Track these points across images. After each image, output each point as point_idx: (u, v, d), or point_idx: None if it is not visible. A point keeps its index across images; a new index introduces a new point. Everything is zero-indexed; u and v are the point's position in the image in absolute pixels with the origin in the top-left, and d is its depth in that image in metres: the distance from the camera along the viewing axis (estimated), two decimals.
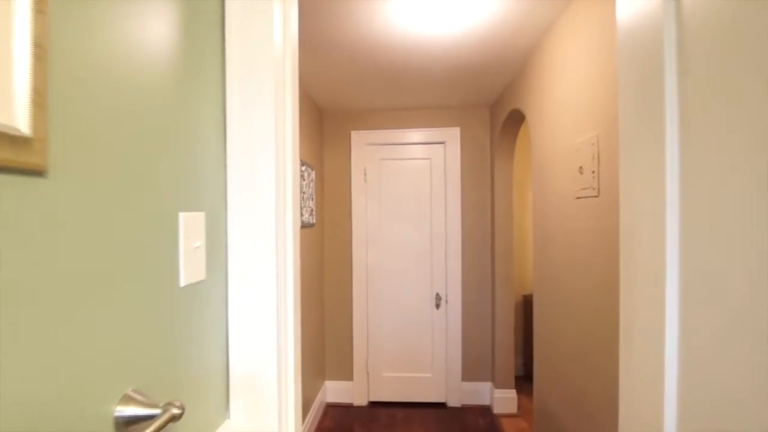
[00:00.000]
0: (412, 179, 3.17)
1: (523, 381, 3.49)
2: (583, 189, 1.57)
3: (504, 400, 2.92)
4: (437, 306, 3.10)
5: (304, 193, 2.60)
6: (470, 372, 3.10)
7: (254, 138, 0.84)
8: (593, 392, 1.51)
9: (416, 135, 3.16)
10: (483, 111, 3.13)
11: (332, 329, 3.19)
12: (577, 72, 1.62)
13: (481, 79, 2.59)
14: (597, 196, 1.47)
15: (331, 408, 3.13)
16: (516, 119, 2.72)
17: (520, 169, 3.72)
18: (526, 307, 3.53)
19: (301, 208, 2.55)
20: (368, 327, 3.17)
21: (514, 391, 2.94)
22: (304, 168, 2.61)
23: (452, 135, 3.14)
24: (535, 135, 2.12)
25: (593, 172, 1.49)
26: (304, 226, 2.64)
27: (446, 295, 3.09)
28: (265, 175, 0.83)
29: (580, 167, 1.59)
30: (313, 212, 2.83)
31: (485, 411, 3.03)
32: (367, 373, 3.16)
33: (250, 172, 0.83)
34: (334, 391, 3.18)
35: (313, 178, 2.85)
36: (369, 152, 3.19)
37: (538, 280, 2.09)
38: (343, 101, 2.99)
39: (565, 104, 1.75)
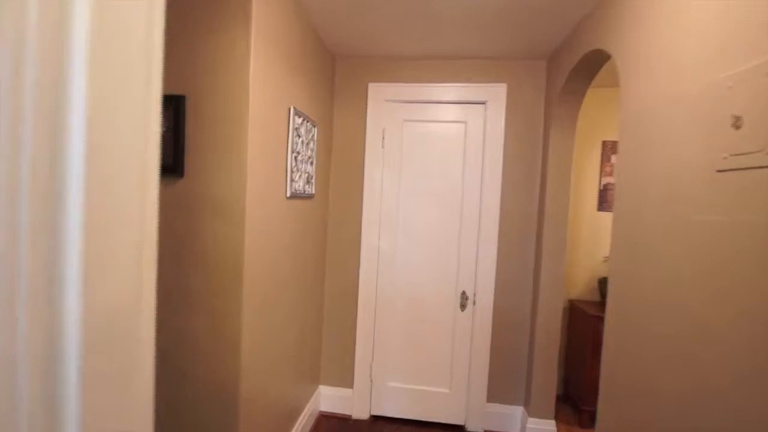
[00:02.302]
0: (442, 147, 2.53)
1: (562, 403, 2.87)
2: (740, 155, 0.91)
3: None
4: (462, 307, 2.49)
5: (298, 153, 2.00)
6: (498, 391, 2.50)
7: None
8: None
9: (450, 92, 2.50)
10: (538, 65, 2.44)
11: (332, 324, 2.63)
12: None
13: (543, 16, 1.91)
14: None
15: (325, 418, 2.60)
16: (589, 69, 2.03)
17: (578, 144, 3.01)
18: (571, 315, 2.87)
19: (293, 173, 1.95)
20: (375, 325, 2.59)
21: (554, 423, 2.33)
22: (301, 121, 2.01)
23: (496, 93, 2.47)
24: (632, 80, 1.45)
25: None
26: (298, 195, 2.05)
27: (474, 295, 2.48)
28: None
29: (736, 118, 0.93)
30: (312, 179, 2.23)
31: None
32: (371, 380, 2.60)
33: None
34: (330, 399, 2.64)
35: (316, 138, 2.24)
36: (389, 111, 2.56)
37: (619, 293, 1.45)
38: (360, 44, 2.35)
39: (699, 20, 1.08)
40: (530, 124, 2.45)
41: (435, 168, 2.53)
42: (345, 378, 2.63)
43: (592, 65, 2.01)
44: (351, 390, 2.62)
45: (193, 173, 1.56)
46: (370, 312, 2.58)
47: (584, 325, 2.65)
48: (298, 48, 1.95)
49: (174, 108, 1.55)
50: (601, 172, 2.95)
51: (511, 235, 2.46)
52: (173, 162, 1.55)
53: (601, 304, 2.80)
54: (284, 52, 1.80)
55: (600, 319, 2.52)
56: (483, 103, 2.48)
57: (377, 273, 2.57)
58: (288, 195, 1.92)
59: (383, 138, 2.56)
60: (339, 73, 2.60)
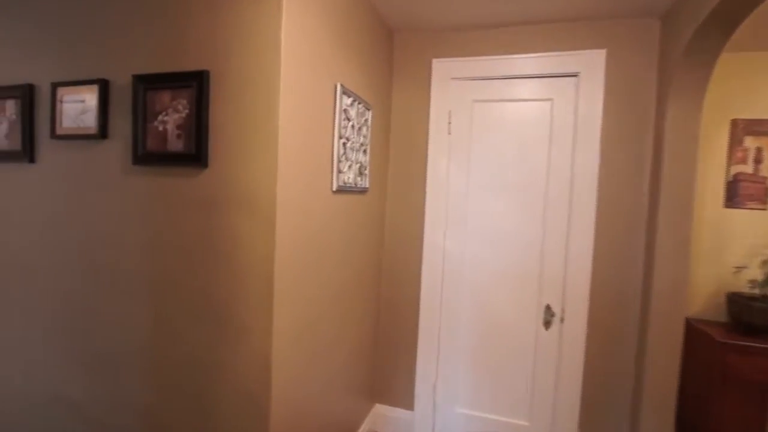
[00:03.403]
0: (521, 131, 2.10)
1: None
2: None
3: None
4: (546, 324, 2.05)
5: (347, 140, 1.70)
6: (593, 429, 2.03)
7: None
8: None
9: (531, 64, 2.06)
10: (648, 24, 1.93)
11: (388, 336, 2.32)
12: None
13: None
14: None
15: None
16: (724, 26, 1.51)
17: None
18: (688, 337, 2.30)
19: (340, 162, 1.65)
20: (440, 341, 2.23)
21: None
22: (351, 102, 1.70)
23: (592, 62, 1.99)
24: None
25: None
26: (348, 189, 1.75)
27: (562, 310, 2.03)
28: None
29: None
30: (366, 171, 1.92)
31: None
32: (434, 403, 2.25)
33: None
34: (387, 420, 2.33)
35: (370, 122, 1.93)
36: (456, 90, 2.18)
37: None
38: (422, 13, 2.00)
39: None
40: (637, 98, 1.94)
41: (512, 156, 2.11)
42: (405, 398, 2.31)
43: (729, 19, 1.50)
44: (412, 412, 2.28)
45: (219, 163, 1.32)
46: (434, 324, 2.22)
47: (707, 353, 2.08)
48: (345, 17, 1.64)
49: (197, 86, 1.31)
50: (729, 158, 2.33)
51: (611, 236, 1.97)
52: (196, 150, 1.32)
53: (731, 325, 2.20)
54: (328, 21, 1.50)
55: (731, 348, 1.96)
56: (574, 75, 2.02)
57: (442, 279, 2.21)
58: (334, 188, 1.62)
59: (449, 122, 2.19)
60: (398, 49, 2.26)
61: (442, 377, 2.23)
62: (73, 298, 1.55)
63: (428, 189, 2.21)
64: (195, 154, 1.32)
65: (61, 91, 1.50)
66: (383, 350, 2.33)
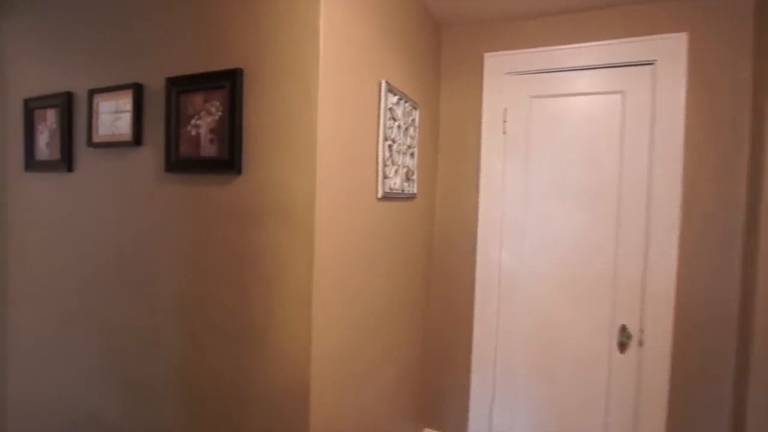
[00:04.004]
0: (586, 129, 1.87)
1: None
2: None
3: None
4: (621, 347, 1.79)
5: (393, 142, 1.55)
6: None
7: None
8: None
9: (596, 53, 1.83)
10: (738, 1, 1.66)
11: (438, 355, 2.13)
12: None
13: None
14: None
15: None
16: None
17: None
18: None
19: (386, 166, 1.50)
20: (496, 361, 2.02)
21: None
22: (397, 100, 1.55)
23: (671, 48, 1.73)
24: None
25: None
26: (394, 196, 1.59)
27: (641, 331, 1.76)
28: None
29: None
30: (413, 175, 1.76)
31: None
32: (490, 430, 2.03)
33: None
34: None
35: (417, 122, 1.77)
36: (512, 85, 1.98)
37: None
38: (473, 5, 1.82)
39: None
40: (728, 87, 1.67)
41: (577, 156, 1.88)
42: (457, 423, 2.10)
43: None
44: None
45: (253, 169, 1.20)
46: (489, 343, 2.01)
47: None
48: (389, 10, 1.50)
49: (230, 86, 1.20)
50: None
51: (699, 247, 1.69)
52: (229, 155, 1.21)
53: None
54: (371, 14, 1.36)
55: None
56: (650, 63, 1.77)
57: (498, 294, 2.00)
58: (380, 195, 1.47)
59: (504, 121, 1.99)
60: (446, 45, 2.10)
61: (499, 402, 2.01)
62: (107, 313, 1.48)
63: (482, 194, 2.01)
64: (228, 159, 1.21)
65: (97, 98, 1.45)
66: (432, 370, 2.14)
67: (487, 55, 2.01)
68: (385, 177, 1.49)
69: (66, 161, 1.53)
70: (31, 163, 1.63)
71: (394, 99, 1.54)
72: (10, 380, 1.79)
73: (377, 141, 1.45)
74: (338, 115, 1.20)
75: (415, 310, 1.95)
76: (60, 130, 1.54)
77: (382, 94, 1.45)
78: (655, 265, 1.73)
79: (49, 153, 1.58)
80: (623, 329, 1.78)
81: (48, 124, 1.58)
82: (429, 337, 2.14)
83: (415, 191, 1.79)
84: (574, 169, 1.88)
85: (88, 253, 1.52)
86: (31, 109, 1.62)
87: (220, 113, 1.22)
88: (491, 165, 2.00)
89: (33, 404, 1.70)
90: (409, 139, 1.69)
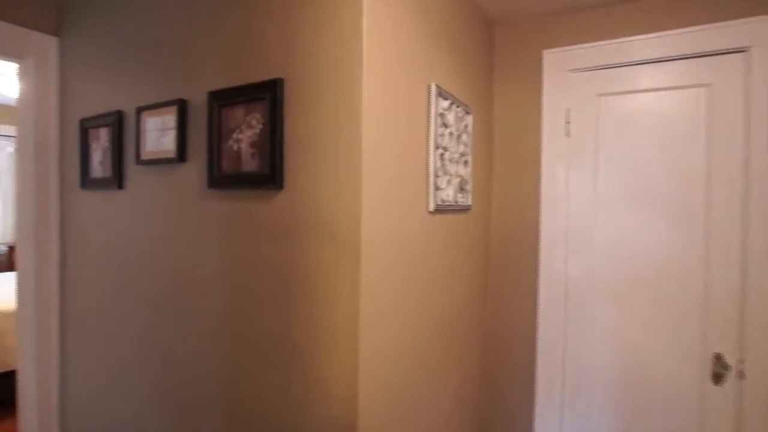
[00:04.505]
0: (666, 128, 1.65)
1: None
2: None
3: None
4: (716, 379, 1.54)
5: (445, 150, 1.42)
6: None
7: None
8: None
9: (673, 42, 1.62)
10: None
11: (497, 382, 1.95)
12: None
13: None
14: None
15: None
16: None
17: None
18: None
19: (437, 177, 1.38)
20: (564, 390, 1.82)
21: None
22: (448, 105, 1.43)
23: (765, 33, 1.49)
24: None
25: None
26: (447, 208, 1.47)
27: (741, 361, 1.51)
28: None
29: None
30: (467, 186, 1.62)
31: None
32: None
33: None
34: None
35: (470, 128, 1.64)
36: (575, 84, 1.80)
37: None
38: None
39: None
40: None
41: (653, 159, 1.66)
42: None
43: None
44: None
45: (295, 183, 1.12)
46: (556, 371, 1.82)
47: None
48: (436, 8, 1.39)
49: (270, 97, 1.13)
50: None
51: None
52: (270, 170, 1.14)
53: None
54: (417, 13, 1.26)
55: None
56: (741, 50, 1.53)
57: (565, 312, 1.81)
58: (432, 208, 1.35)
59: (567, 122, 1.80)
60: (499, 43, 1.95)
61: None
62: (159, 333, 1.46)
63: (543, 203, 1.84)
64: (269, 174, 1.14)
65: (145, 115, 1.45)
66: (491, 399, 1.97)
67: (546, 52, 1.85)
68: (437, 189, 1.37)
69: (117, 178, 1.54)
70: (87, 180, 1.67)
71: (445, 104, 1.42)
72: (70, 396, 1.83)
73: (427, 150, 1.34)
74: (385, 123, 1.10)
75: (472, 333, 1.80)
76: (111, 148, 1.56)
77: (432, 98, 1.33)
78: (755, 285, 1.48)
79: (102, 171, 1.60)
80: (718, 358, 1.53)
81: (101, 143, 1.60)
82: (487, 363, 1.98)
83: (470, 202, 1.66)
84: (651, 175, 1.66)
85: (139, 275, 1.51)
86: (86, 128, 1.66)
87: (261, 126, 1.16)
88: (553, 170, 1.82)
89: (91, 419, 1.73)
90: (462, 147, 1.56)
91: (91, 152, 1.65)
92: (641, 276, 1.67)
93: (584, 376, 1.78)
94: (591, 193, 1.76)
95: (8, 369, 2.91)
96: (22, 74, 1.74)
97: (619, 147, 1.72)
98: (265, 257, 1.18)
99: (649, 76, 1.67)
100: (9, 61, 1.71)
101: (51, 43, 1.77)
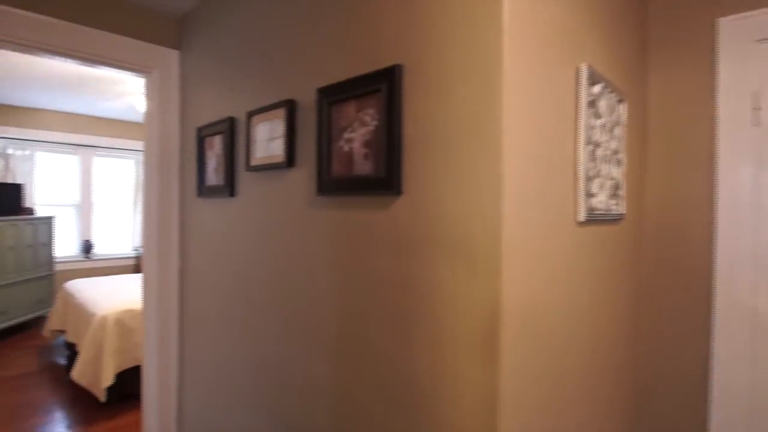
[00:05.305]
0: None
1: None
2: None
3: None
4: None
5: (597, 146, 1.14)
6: None
7: None
8: None
9: None
10: None
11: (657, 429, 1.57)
12: None
13: None
14: None
15: None
16: None
17: None
18: None
19: (588, 180, 1.10)
20: None
21: None
22: (600, 91, 1.14)
23: None
24: None
25: None
26: (596, 218, 1.17)
27: None
28: None
29: None
30: (620, 190, 1.30)
31: None
32: None
33: None
34: None
35: (623, 117, 1.32)
36: (766, 58, 1.38)
37: None
38: None
39: None
40: None
41: None
42: None
43: None
44: None
45: (417, 188, 0.94)
46: (736, 427, 1.39)
47: None
48: None
49: (386, 88, 0.97)
50: None
51: None
52: (386, 172, 0.97)
53: None
54: None
55: None
56: None
57: (755, 353, 1.38)
58: (581, 218, 1.08)
59: (757, 108, 1.38)
60: (657, 14, 1.58)
61: None
62: (267, 348, 1.38)
63: (720, 213, 1.43)
64: (385, 177, 0.97)
65: (255, 119, 1.38)
66: None
67: (722, 20, 1.45)
68: (588, 194, 1.09)
69: (229, 186, 1.50)
70: (202, 189, 1.67)
71: (597, 89, 1.13)
72: (186, 399, 1.86)
73: (576, 146, 1.07)
74: (527, 114, 0.87)
75: (624, 371, 1.45)
76: (224, 155, 1.53)
77: (582, 83, 1.06)
78: None
79: (216, 179, 1.59)
80: None
81: (215, 150, 1.59)
82: (642, 410, 1.60)
83: (624, 211, 1.33)
84: None
85: (250, 287, 1.45)
86: (202, 136, 1.66)
87: (375, 122, 1.00)
88: (733, 170, 1.41)
89: (204, 423, 1.72)
90: (614, 142, 1.25)
91: (207, 160, 1.65)
92: None
93: None
94: None
95: (139, 364, 3.16)
96: (149, 86, 1.82)
97: None
98: (381, 271, 1.01)
99: None
100: (137, 74, 1.80)
101: (173, 56, 1.83)
